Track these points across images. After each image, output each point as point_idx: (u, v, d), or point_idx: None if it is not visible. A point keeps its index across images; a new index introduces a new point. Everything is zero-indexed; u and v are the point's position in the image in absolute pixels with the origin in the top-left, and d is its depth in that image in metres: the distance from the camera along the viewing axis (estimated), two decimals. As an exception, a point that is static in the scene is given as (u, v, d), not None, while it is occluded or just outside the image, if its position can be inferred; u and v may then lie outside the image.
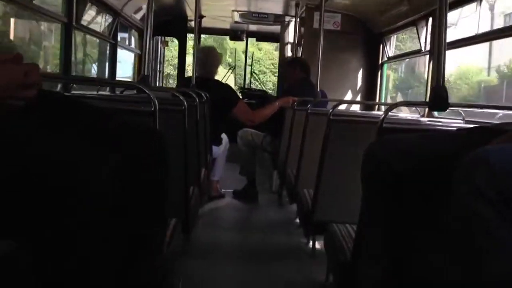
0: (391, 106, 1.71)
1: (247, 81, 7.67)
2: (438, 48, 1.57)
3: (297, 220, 3.21)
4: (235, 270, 2.51)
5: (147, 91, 1.65)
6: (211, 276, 2.39)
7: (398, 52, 4.84)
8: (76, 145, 1.05)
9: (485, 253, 0.83)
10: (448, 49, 1.85)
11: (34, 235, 0.95)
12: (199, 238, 2.82)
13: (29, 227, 0.95)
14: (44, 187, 0.95)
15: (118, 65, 4.66)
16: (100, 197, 1.00)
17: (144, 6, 4.17)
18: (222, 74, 7.30)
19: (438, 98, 1.55)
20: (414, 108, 3.70)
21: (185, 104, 2.10)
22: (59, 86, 3.22)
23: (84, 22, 3.71)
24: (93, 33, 4.13)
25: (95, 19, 4.28)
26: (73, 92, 3.18)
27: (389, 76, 4.96)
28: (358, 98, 4.96)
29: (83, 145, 1.07)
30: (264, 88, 7.51)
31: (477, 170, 0.84)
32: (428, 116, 3.31)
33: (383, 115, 1.63)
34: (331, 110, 2.24)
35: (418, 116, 3.46)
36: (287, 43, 5.98)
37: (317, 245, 2.67)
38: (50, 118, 1.18)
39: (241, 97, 6.16)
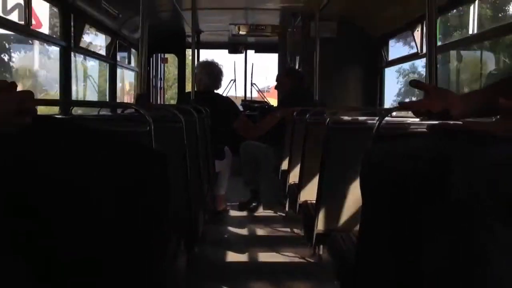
0: (386, 111, 1.71)
1: (248, 93, 7.70)
2: (429, 51, 1.57)
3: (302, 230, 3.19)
4: (242, 285, 2.49)
5: (141, 111, 1.66)
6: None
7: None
8: (74, 170, 1.06)
9: (489, 259, 0.82)
10: (440, 51, 1.86)
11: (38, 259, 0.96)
12: (204, 255, 2.81)
13: (33, 251, 0.96)
14: (42, 216, 0.96)
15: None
16: (103, 222, 1.02)
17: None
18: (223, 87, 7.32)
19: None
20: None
21: (183, 120, 2.11)
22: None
23: (82, 44, 3.75)
24: (92, 54, 4.17)
25: (94, 41, 4.32)
26: (74, 113, 3.20)
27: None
28: (357, 105, 4.96)
29: (81, 169, 1.07)
30: (266, 100, 7.51)
31: (474, 175, 0.84)
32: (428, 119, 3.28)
33: (378, 121, 1.63)
34: (329, 119, 2.24)
35: (418, 119, 3.43)
36: (286, 53, 6.01)
37: (323, 254, 2.65)
38: (46, 143, 1.19)
39: (242, 109, 6.18)
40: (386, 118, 1.77)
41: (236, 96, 7.40)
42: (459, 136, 1.24)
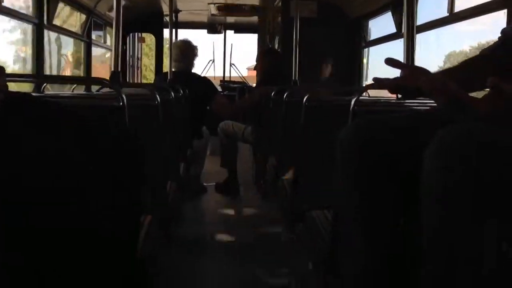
0: (361, 90, 1.71)
1: (227, 73, 7.65)
2: (407, 31, 1.56)
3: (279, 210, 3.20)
4: (217, 264, 2.50)
5: (114, 87, 1.63)
6: (192, 272, 2.37)
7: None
8: (46, 146, 1.03)
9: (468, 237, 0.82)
10: (418, 31, 1.85)
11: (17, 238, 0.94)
12: (179, 234, 2.79)
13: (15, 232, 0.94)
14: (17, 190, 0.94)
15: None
16: (75, 199, 1.00)
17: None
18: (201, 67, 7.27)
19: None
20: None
21: (158, 99, 2.08)
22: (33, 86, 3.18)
23: (56, 22, 3.66)
24: (66, 32, 4.08)
25: (68, 18, 4.22)
26: (47, 92, 3.13)
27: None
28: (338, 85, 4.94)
29: (53, 146, 1.05)
30: (245, 80, 7.48)
31: (458, 147, 0.82)
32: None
33: (354, 99, 1.63)
34: (306, 97, 2.23)
35: (395, 98, 3.44)
36: (265, 34, 5.96)
37: (300, 233, 2.66)
38: (19, 120, 1.15)
39: (221, 89, 6.14)
40: (364, 98, 1.77)
41: (215, 77, 7.35)
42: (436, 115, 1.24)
